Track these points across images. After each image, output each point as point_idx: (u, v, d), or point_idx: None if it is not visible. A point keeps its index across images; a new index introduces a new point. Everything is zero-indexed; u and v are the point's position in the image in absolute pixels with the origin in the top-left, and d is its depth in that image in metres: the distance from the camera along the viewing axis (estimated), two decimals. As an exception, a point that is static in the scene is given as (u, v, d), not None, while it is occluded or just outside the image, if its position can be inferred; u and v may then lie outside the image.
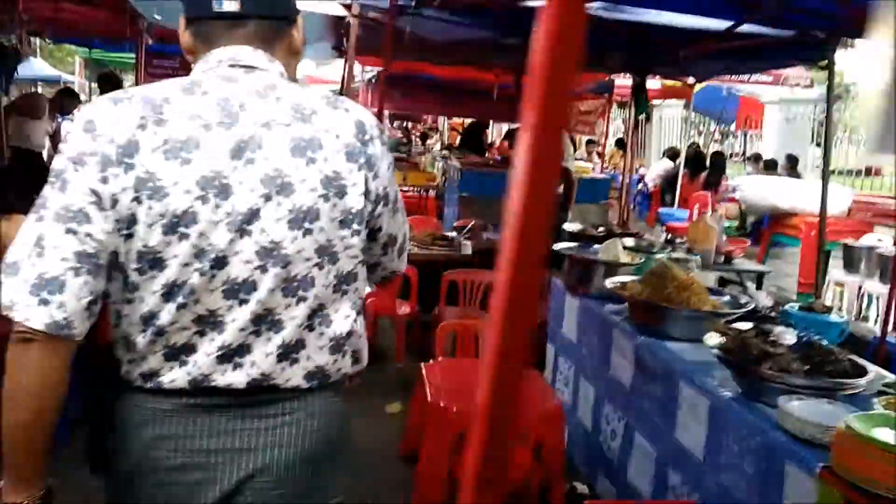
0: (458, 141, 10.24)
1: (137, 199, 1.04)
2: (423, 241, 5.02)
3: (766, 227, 7.31)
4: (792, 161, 9.90)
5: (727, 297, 2.79)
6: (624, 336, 2.87)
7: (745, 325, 2.70)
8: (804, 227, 6.64)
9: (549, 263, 4.30)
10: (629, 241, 3.81)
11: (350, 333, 1.21)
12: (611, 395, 2.98)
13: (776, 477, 1.90)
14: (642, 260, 3.31)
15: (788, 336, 2.25)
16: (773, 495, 1.91)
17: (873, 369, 2.12)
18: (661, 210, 9.79)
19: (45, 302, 1.01)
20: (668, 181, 10.42)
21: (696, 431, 2.30)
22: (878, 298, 5.74)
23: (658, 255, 3.53)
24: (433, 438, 2.70)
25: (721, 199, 8.66)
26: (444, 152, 9.51)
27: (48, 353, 1.03)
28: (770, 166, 9.59)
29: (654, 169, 11.26)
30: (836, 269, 7.13)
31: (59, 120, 6.68)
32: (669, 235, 4.46)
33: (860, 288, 5.79)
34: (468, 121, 10.49)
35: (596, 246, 3.51)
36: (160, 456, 1.12)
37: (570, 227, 4.82)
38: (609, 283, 2.92)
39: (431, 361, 3.14)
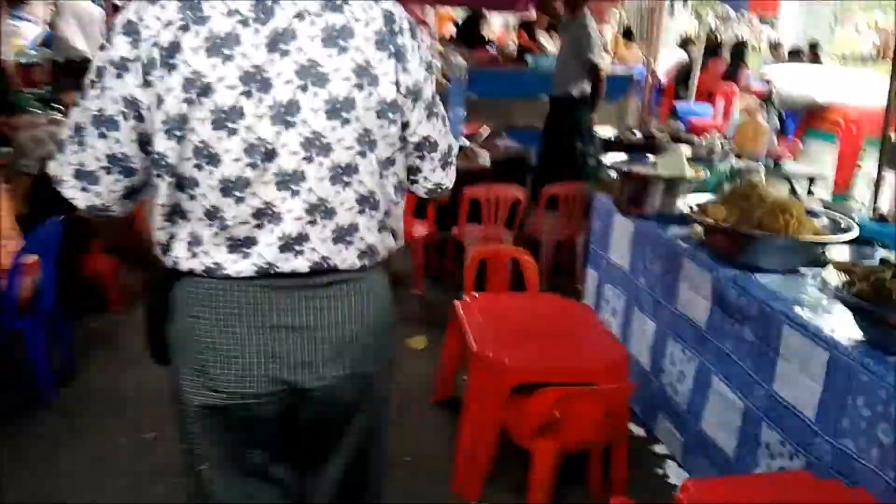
0: (450, 37, 9.42)
1: (188, 100, 1.08)
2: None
3: (799, 122, 6.79)
4: (814, 48, 9.23)
5: (825, 220, 2.36)
6: (699, 267, 2.46)
7: (843, 252, 2.30)
8: (843, 122, 6.14)
9: (579, 174, 3.85)
10: (681, 147, 3.32)
11: (389, 213, 1.27)
12: (678, 333, 2.60)
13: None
14: (707, 174, 2.85)
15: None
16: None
17: None
18: (678, 105, 9.18)
19: (84, 189, 1.15)
20: (682, 73, 9.72)
21: (805, 386, 1.93)
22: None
23: (721, 167, 3.08)
24: (483, 392, 2.33)
25: (743, 92, 8.05)
26: (440, 48, 8.74)
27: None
28: (794, 54, 8.93)
29: (666, 60, 10.51)
30: (874, 167, 6.70)
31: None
32: (716, 139, 3.96)
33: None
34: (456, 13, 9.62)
35: (651, 157, 3.04)
36: (228, 332, 1.17)
37: (603, 131, 4.31)
38: (685, 206, 2.47)
39: (465, 298, 2.73)
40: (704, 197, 2.55)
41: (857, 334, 1.84)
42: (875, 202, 4.78)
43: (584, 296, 3.41)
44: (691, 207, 2.45)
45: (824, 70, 7.12)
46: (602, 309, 3.21)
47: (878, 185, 4.74)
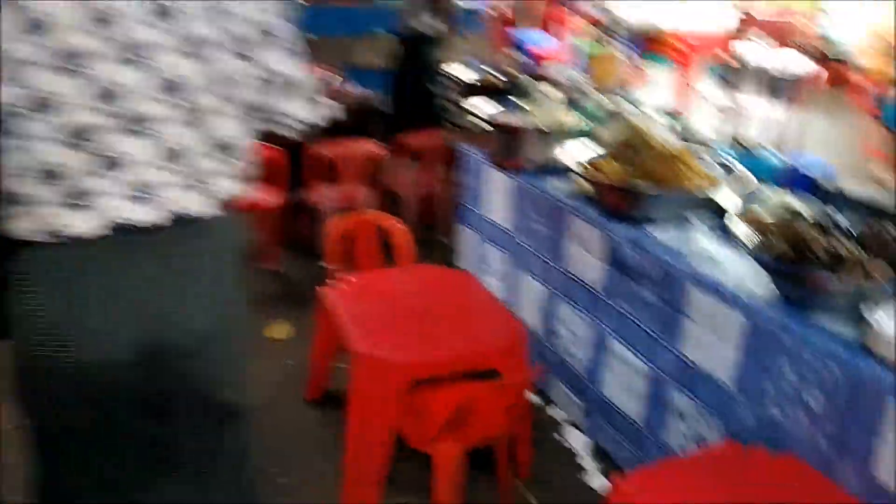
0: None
1: (23, 40, 0.98)
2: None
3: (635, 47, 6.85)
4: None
5: (712, 162, 2.23)
6: (588, 224, 2.26)
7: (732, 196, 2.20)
8: (683, 46, 6.27)
9: (437, 120, 3.54)
10: (552, 90, 3.09)
11: (245, 158, 1.22)
12: (570, 296, 2.42)
13: (867, 415, 1.45)
14: (583, 120, 2.65)
15: (840, 219, 1.74)
16: (858, 438, 1.47)
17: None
18: (515, 32, 9.00)
19: None
20: None
21: (719, 350, 1.81)
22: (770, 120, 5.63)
23: (590, 108, 2.89)
24: (370, 394, 2.01)
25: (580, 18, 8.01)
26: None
27: None
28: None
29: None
30: (708, 89, 6.98)
31: None
32: (573, 73, 3.78)
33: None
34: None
35: (523, 104, 2.78)
36: (75, 301, 1.07)
37: (463, 73, 3.99)
38: (570, 161, 2.24)
39: (331, 283, 2.37)
40: (585, 147, 2.34)
41: (772, 292, 1.72)
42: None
43: (459, 257, 3.16)
44: (581, 164, 2.23)
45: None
46: (483, 271, 2.97)
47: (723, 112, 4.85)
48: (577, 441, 2.43)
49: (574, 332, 2.41)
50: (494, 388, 1.85)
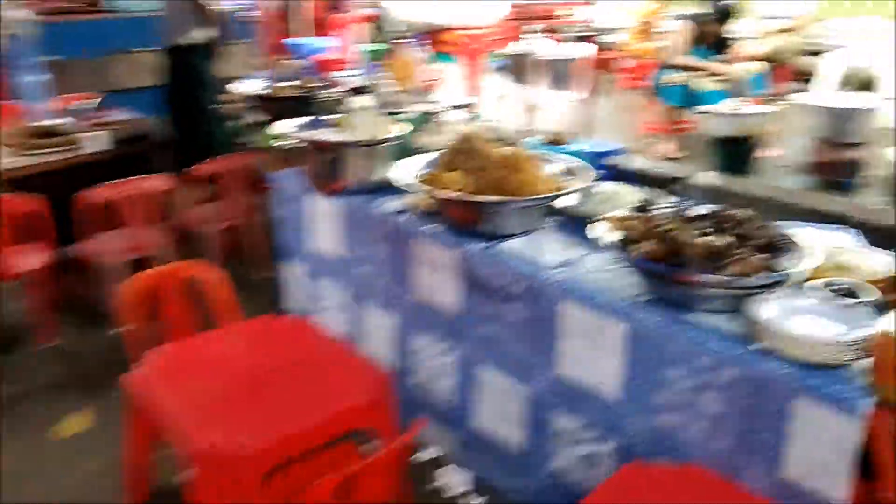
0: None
1: None
2: (17, 142, 3.27)
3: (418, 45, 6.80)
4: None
5: (561, 164, 2.12)
6: (435, 243, 2.05)
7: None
8: (462, 40, 6.30)
9: (227, 142, 3.12)
10: (365, 99, 2.81)
11: None
12: (426, 323, 2.20)
13: (770, 412, 1.40)
14: (409, 128, 2.43)
15: (698, 209, 1.70)
16: (764, 437, 1.42)
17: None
18: (287, 41, 8.58)
19: None
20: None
21: (601, 363, 1.69)
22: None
23: (409, 115, 2.68)
24: (219, 496, 1.63)
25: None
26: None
27: None
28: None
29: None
30: (495, 81, 7.13)
31: None
32: (378, 79, 3.54)
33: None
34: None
35: (331, 117, 2.48)
36: None
37: (249, 86, 3.57)
38: (406, 179, 2.00)
39: (136, 366, 1.92)
40: (416, 160, 2.13)
41: (647, 295, 1.63)
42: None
43: (286, 297, 2.80)
44: (417, 179, 2.00)
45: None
46: (319, 311, 2.65)
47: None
48: (457, 479, 2.22)
49: (436, 362, 2.19)
50: (371, 464, 1.57)
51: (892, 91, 5.78)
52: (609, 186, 2.17)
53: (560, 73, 6.18)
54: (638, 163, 4.96)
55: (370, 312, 2.40)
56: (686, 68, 5.24)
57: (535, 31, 6.56)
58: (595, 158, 4.07)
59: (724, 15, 5.24)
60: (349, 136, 2.28)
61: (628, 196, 2.13)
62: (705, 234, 1.55)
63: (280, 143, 2.42)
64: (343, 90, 3.23)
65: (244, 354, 1.98)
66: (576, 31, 8.14)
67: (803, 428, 1.35)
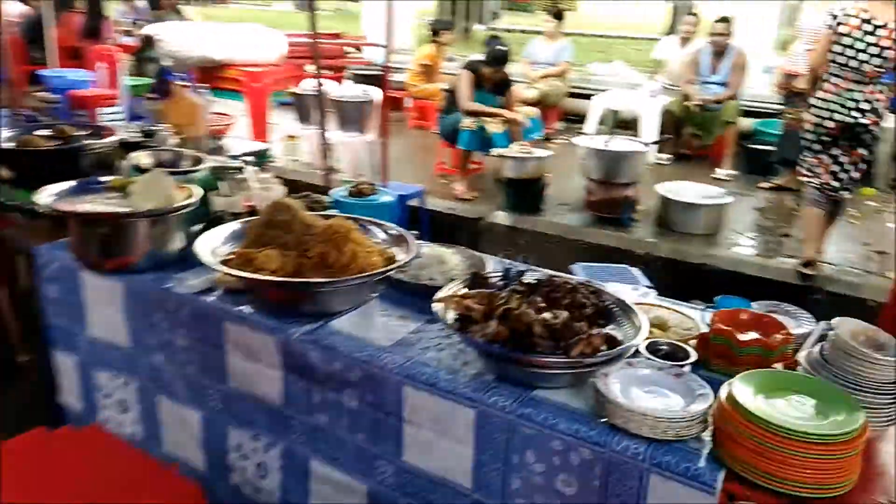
0: None
1: None
2: None
3: (194, 82, 6.33)
4: (174, -1, 8.81)
5: (381, 233, 1.99)
6: (253, 327, 1.81)
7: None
8: (245, 78, 5.96)
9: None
10: (144, 156, 2.45)
11: None
12: (243, 418, 1.93)
13: (623, 490, 1.39)
14: (201, 191, 2.15)
15: (527, 278, 1.67)
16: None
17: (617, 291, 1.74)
18: (40, 72, 7.58)
19: None
20: (30, 29, 7.99)
21: (452, 452, 1.59)
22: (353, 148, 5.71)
23: (202, 172, 2.39)
24: None
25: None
26: None
27: None
28: (156, 6, 8.34)
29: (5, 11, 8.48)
30: (284, 121, 6.84)
31: None
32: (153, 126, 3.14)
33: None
34: None
35: (105, 179, 2.12)
36: None
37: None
38: (210, 255, 1.75)
39: None
40: (218, 232, 1.89)
41: (493, 375, 1.56)
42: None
43: (60, 391, 2.33)
44: (225, 257, 1.75)
45: (212, 27, 6.78)
46: (99, 407, 2.23)
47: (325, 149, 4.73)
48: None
49: (258, 461, 1.93)
50: None
51: (651, 132, 6.55)
52: (427, 250, 2.10)
53: (349, 114, 6.11)
54: (437, 205, 5.05)
55: (170, 409, 2.06)
56: (473, 113, 5.43)
57: (319, 71, 6.43)
58: (400, 202, 4.04)
59: (499, 59, 5.53)
60: (129, 205, 1.96)
61: (449, 259, 2.08)
62: (541, 310, 1.52)
63: (41, 209, 2.00)
64: (114, 140, 2.81)
65: (9, 481, 1.57)
66: (362, 70, 8.17)
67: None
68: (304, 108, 6.30)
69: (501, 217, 5.06)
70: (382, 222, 2.06)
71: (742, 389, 1.34)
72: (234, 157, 3.67)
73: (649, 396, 1.44)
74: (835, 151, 4.01)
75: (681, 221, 4.79)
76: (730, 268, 4.31)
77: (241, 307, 1.85)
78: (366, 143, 6.16)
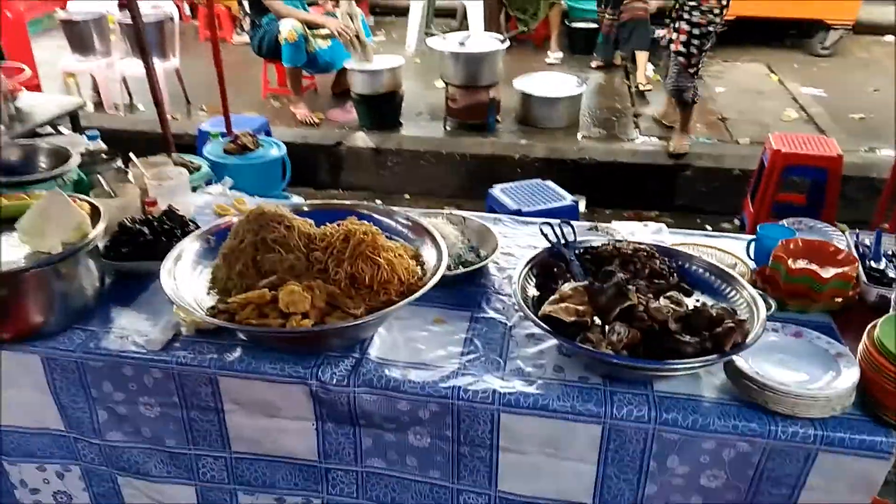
0: None
1: None
2: None
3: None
4: None
5: (388, 220, 1.59)
6: (268, 380, 1.38)
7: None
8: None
9: None
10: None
11: None
12: (256, 482, 1.52)
13: (787, 479, 1.29)
14: (104, 209, 1.58)
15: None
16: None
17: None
18: None
19: None
20: None
21: (568, 471, 1.36)
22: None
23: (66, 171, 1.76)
24: None
25: None
26: None
27: None
28: None
29: None
30: (46, 54, 5.51)
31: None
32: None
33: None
34: None
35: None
36: None
37: None
38: (204, 315, 1.28)
39: None
40: (169, 263, 1.39)
41: (596, 379, 1.33)
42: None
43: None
44: (220, 308, 1.28)
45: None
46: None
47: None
48: None
49: (287, 526, 1.56)
50: None
51: (478, 21, 6.27)
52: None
53: (139, 38, 5.07)
54: (283, 134, 4.35)
55: (141, 489, 1.57)
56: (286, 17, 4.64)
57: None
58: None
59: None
60: (29, 246, 1.36)
61: (443, 229, 1.74)
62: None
63: None
64: None
65: None
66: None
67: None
68: (78, 35, 5.13)
69: (362, 139, 4.62)
70: (371, 205, 1.66)
71: (894, 339, 1.24)
72: (51, 126, 2.88)
73: (786, 370, 1.31)
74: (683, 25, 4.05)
75: (543, 117, 4.72)
76: (606, 158, 4.36)
77: (235, 355, 1.40)
78: (172, 71, 5.21)
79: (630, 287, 1.29)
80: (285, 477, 1.52)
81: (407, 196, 4.52)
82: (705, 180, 4.30)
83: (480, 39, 4.68)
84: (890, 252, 1.72)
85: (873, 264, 1.63)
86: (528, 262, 1.48)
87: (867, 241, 1.75)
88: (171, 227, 1.71)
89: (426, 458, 1.43)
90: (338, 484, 1.51)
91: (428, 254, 1.50)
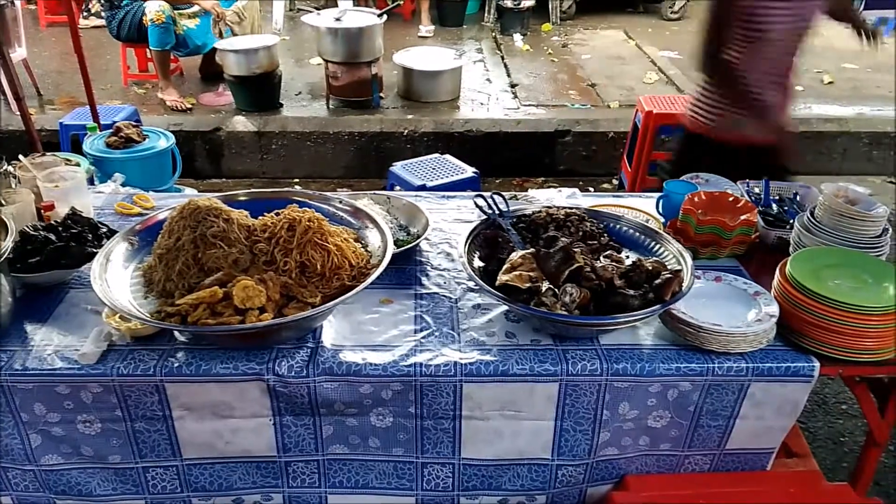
0: None
1: None
2: None
3: None
4: None
5: (325, 206, 1.55)
6: (221, 380, 1.33)
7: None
8: None
9: None
10: None
11: None
12: (212, 486, 1.47)
13: (723, 410, 1.43)
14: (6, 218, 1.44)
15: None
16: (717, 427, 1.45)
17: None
18: None
19: None
20: None
21: (527, 431, 1.43)
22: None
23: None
24: None
25: None
26: None
27: None
28: None
29: None
30: None
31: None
32: None
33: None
34: None
35: None
36: None
37: None
38: (154, 320, 1.21)
39: None
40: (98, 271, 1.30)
41: (546, 340, 1.41)
42: None
43: None
44: (168, 311, 1.21)
45: None
46: None
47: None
48: None
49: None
50: None
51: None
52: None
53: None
54: (154, 123, 4.11)
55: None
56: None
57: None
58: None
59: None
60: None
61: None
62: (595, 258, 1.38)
63: None
64: None
65: None
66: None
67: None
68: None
69: (242, 123, 4.42)
70: (305, 191, 1.62)
71: (805, 275, 1.39)
72: None
73: (714, 311, 1.43)
74: None
75: (426, 91, 4.74)
76: (492, 129, 4.46)
77: (180, 358, 1.33)
78: (19, 62, 4.71)
79: (575, 250, 1.36)
80: (242, 477, 1.48)
81: (296, 180, 4.40)
82: (583, 145, 4.51)
83: (356, 14, 4.60)
84: (777, 197, 1.92)
85: (767, 209, 1.81)
86: (469, 235, 1.51)
87: (756, 190, 1.94)
88: (80, 231, 1.59)
89: (389, 437, 1.44)
90: (298, 476, 1.49)
91: (371, 235, 1.49)
